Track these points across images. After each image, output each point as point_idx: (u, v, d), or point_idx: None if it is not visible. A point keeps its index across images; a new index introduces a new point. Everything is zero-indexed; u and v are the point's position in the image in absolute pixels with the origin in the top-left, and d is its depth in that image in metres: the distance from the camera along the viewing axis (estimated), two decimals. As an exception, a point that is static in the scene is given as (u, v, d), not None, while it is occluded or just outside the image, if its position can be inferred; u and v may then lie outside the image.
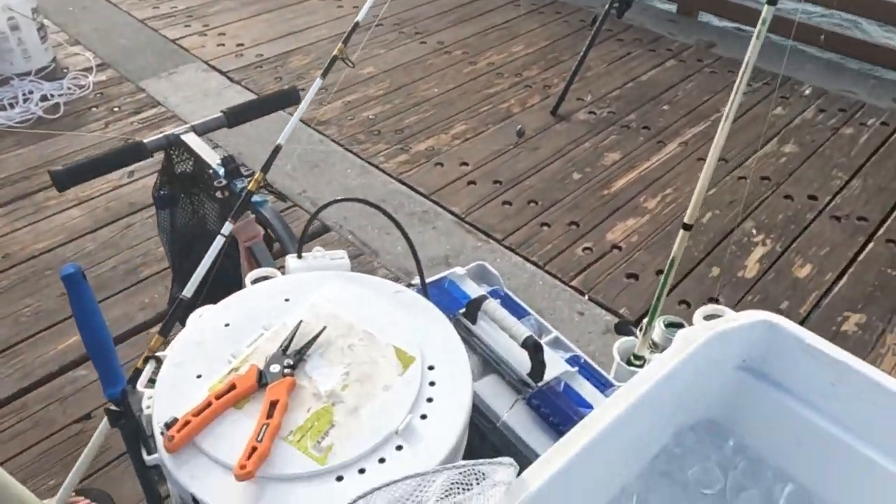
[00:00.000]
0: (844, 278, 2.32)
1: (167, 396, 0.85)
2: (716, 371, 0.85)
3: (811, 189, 2.70)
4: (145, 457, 0.79)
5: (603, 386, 1.06)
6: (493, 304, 1.05)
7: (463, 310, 1.10)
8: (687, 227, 1.03)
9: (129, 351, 2.01)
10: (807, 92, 3.28)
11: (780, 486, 0.86)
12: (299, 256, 1.07)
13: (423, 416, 0.84)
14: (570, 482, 0.68)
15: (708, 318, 0.83)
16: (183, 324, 1.14)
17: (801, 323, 2.26)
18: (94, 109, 3.11)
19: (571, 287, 2.28)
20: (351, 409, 0.83)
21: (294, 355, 0.88)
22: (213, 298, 1.04)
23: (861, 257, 2.40)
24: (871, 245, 2.46)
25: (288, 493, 0.76)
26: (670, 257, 1.16)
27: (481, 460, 0.63)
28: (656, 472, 0.88)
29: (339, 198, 1.01)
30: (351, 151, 2.89)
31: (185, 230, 1.43)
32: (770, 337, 0.82)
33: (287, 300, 0.98)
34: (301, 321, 0.93)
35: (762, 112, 3.15)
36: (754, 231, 2.51)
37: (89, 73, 3.30)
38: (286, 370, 0.86)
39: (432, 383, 0.88)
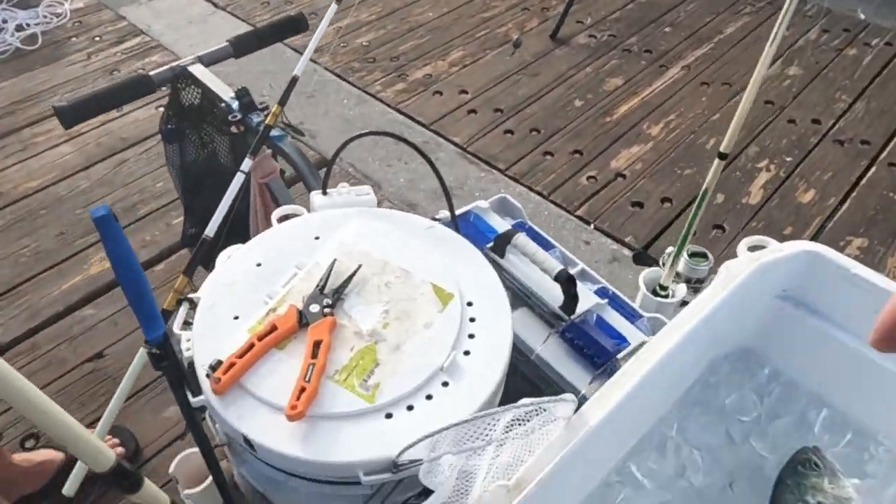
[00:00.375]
0: (847, 203, 2.33)
1: (206, 339, 0.84)
2: (755, 301, 0.85)
3: (814, 113, 2.67)
4: (191, 398, 0.78)
5: (632, 317, 1.07)
6: (523, 238, 1.04)
7: (491, 244, 1.09)
8: (722, 157, 1.01)
9: (135, 289, 1.99)
10: (811, 11, 3.20)
11: (814, 412, 0.88)
12: (324, 193, 1.04)
13: (467, 353, 0.84)
14: (623, 416, 0.68)
15: (752, 249, 0.83)
16: (205, 264, 1.12)
17: (804, 248, 2.30)
18: (73, 39, 2.97)
19: (576, 216, 2.28)
20: (393, 346, 0.83)
21: (332, 294, 0.87)
22: (227, 239, 1.02)
23: (863, 181, 2.41)
24: (873, 169, 2.46)
25: (338, 431, 0.76)
26: (703, 188, 1.14)
27: (545, 398, 0.63)
28: (691, 401, 0.89)
29: (365, 131, 0.97)
30: (346, 81, 2.80)
31: (194, 165, 1.39)
32: (813, 267, 0.82)
33: (317, 238, 0.96)
34: (335, 259, 0.91)
35: (765, 34, 3.08)
36: (758, 156, 2.49)
37: (65, 0, 3.13)
38: (326, 309, 0.85)
39: (472, 319, 0.88)
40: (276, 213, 1.01)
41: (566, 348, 1.00)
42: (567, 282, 0.99)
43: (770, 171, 2.44)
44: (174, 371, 0.78)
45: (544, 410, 0.64)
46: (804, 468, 0.79)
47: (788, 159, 2.47)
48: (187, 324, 0.89)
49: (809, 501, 0.76)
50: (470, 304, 0.90)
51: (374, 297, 0.88)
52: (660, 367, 0.73)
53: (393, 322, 0.86)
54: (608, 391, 0.68)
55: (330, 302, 0.86)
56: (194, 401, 0.79)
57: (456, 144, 2.54)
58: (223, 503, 0.92)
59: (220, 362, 0.79)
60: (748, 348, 0.92)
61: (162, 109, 1.42)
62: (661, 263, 1.24)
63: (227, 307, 0.87)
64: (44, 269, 2.04)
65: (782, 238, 2.23)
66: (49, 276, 2.02)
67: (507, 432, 0.61)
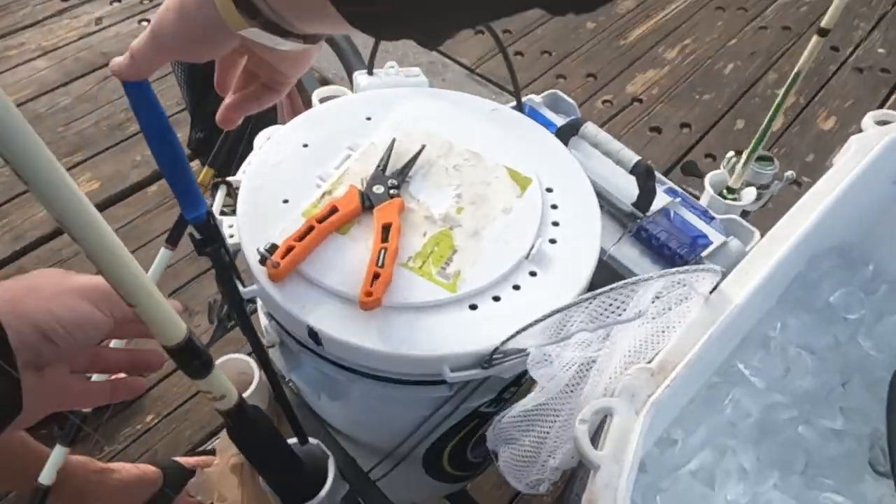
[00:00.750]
0: (869, 130, 2.26)
1: (254, 223, 0.72)
2: (871, 186, 0.76)
3: (833, 40, 2.57)
4: (242, 289, 0.67)
5: (705, 217, 0.98)
6: (593, 127, 0.93)
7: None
8: (823, 33, 0.91)
9: (126, 210, 1.85)
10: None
11: (924, 309, 0.80)
12: (370, 73, 0.92)
13: (552, 241, 0.74)
14: (758, 300, 0.60)
15: (880, 123, 0.73)
16: (228, 163, 0.99)
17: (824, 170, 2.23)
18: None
19: (593, 141, 2.17)
20: (471, 232, 0.72)
21: (396, 175, 0.76)
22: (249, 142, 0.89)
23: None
24: (893, 97, 2.39)
25: (418, 322, 0.66)
26: (795, 69, 1.04)
27: (691, 267, 0.53)
28: (791, 298, 0.81)
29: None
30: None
31: (204, 66, 1.23)
32: (944, 144, 0.73)
33: (368, 119, 0.84)
34: (395, 139, 0.79)
35: (780, -42, 2.95)
36: (777, 83, 2.40)
37: None
38: (392, 191, 0.74)
39: (554, 206, 0.78)
40: (318, 93, 0.88)
41: (641, 248, 0.91)
42: (645, 174, 0.89)
43: (791, 98, 2.34)
44: (220, 258, 0.66)
45: (683, 285, 0.54)
46: None
47: (808, 87, 2.39)
48: (224, 213, 0.77)
49: None
50: (549, 189, 0.79)
51: (443, 180, 0.77)
52: (785, 249, 0.64)
53: (468, 206, 0.75)
54: (748, 267, 0.59)
55: (395, 183, 0.74)
56: (246, 291, 0.67)
57: (463, 66, 2.39)
58: (273, 404, 0.82)
59: (274, 246, 0.68)
60: (850, 242, 0.84)
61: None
62: (721, 169, 1.15)
63: (274, 189, 0.75)
64: (24, 189, 1.88)
65: (804, 165, 2.17)
66: (31, 198, 1.86)
67: (658, 309, 0.52)
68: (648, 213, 0.93)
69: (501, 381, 0.73)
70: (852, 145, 0.70)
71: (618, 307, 0.53)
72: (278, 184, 0.76)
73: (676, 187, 1.04)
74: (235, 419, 0.56)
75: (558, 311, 0.55)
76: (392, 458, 0.84)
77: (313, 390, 0.77)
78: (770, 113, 1.05)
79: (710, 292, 0.56)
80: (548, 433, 0.57)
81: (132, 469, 1.05)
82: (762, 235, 1.00)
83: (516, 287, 0.70)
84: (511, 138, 0.83)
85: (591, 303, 0.53)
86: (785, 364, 0.75)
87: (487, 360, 0.64)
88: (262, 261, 0.67)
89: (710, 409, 0.71)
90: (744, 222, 0.99)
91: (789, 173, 1.16)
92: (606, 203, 0.95)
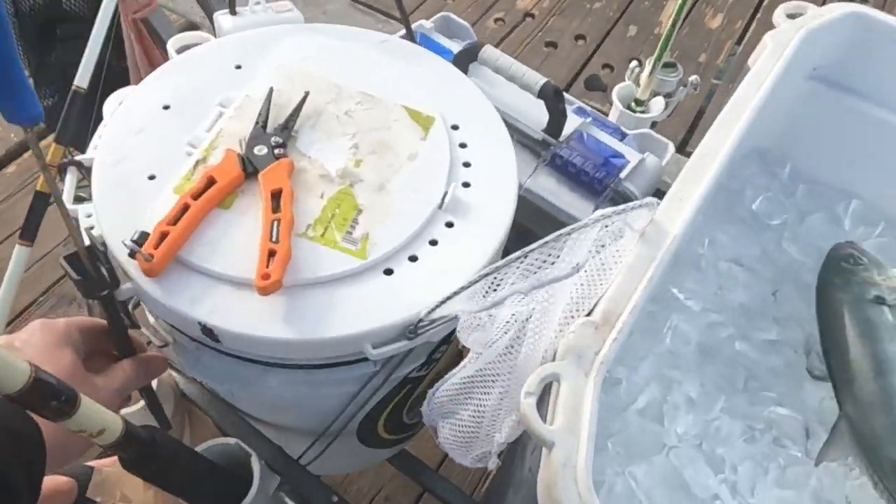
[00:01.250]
0: (754, 24, 2.29)
1: (116, 209, 0.61)
2: (786, 84, 0.72)
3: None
4: (115, 292, 0.57)
5: (618, 134, 0.93)
6: (492, 50, 0.85)
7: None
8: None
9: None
10: None
11: (843, 205, 0.79)
12: (233, 12, 0.79)
13: (466, 185, 0.67)
14: (695, 224, 0.55)
15: (791, 16, 0.69)
16: (82, 133, 0.85)
17: (719, 70, 2.26)
18: None
19: (490, 63, 2.08)
20: (376, 186, 0.64)
21: (279, 131, 0.65)
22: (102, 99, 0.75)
23: (765, 2, 2.36)
24: (773, -12, 2.41)
25: (328, 299, 0.58)
26: None
27: (626, 205, 0.48)
28: (716, 210, 0.78)
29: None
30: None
31: (35, 13, 1.05)
32: (856, 33, 0.70)
33: (239, 67, 0.72)
34: (272, 88, 0.68)
35: None
36: (665, -16, 2.37)
37: None
38: (277, 150, 0.63)
39: (463, 145, 0.70)
40: (174, 42, 0.75)
41: (558, 176, 0.85)
42: (554, 96, 0.82)
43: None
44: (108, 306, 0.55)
45: (613, 223, 0.48)
46: (848, 264, 0.70)
47: (693, -15, 2.37)
48: (80, 199, 0.65)
49: (865, 297, 0.68)
50: (455, 127, 0.71)
51: (335, 130, 0.68)
52: (715, 165, 0.59)
53: (367, 157, 0.66)
54: (680, 190, 0.54)
55: (280, 140, 0.64)
56: (123, 290, 0.57)
57: (343, -6, 2.22)
58: (181, 401, 0.73)
59: (145, 234, 0.57)
60: (765, 146, 0.81)
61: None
62: (626, 80, 1.10)
63: (135, 164, 0.63)
64: None
65: (699, 66, 2.18)
66: None
67: (592, 255, 0.46)
68: (561, 139, 0.87)
69: (430, 344, 0.67)
70: (767, 44, 0.66)
71: (553, 262, 0.47)
72: (140, 157, 0.64)
73: (585, 106, 0.98)
74: (127, 450, 0.47)
75: (486, 275, 0.48)
76: (323, 439, 0.78)
77: (222, 386, 0.68)
78: (672, 17, 0.99)
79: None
80: (487, 404, 0.52)
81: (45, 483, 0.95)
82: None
83: (433, 242, 0.62)
84: (406, 73, 0.74)
85: (522, 261, 0.47)
86: (717, 282, 0.72)
87: (412, 329, 0.57)
88: (132, 254, 0.56)
89: (650, 341, 0.67)
90: (657, 136, 0.95)
91: (693, 78, 1.12)
92: (516, 133, 0.88)
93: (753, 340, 0.71)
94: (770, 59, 0.64)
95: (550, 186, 0.85)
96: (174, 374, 0.79)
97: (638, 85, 1.07)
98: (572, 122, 0.89)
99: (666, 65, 1.09)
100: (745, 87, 0.62)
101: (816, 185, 0.80)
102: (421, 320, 0.55)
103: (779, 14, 0.69)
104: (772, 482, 0.62)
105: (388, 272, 0.60)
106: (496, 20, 2.21)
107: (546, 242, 0.47)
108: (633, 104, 1.05)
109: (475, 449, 0.54)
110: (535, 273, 0.46)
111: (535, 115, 0.87)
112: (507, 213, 0.65)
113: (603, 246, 0.49)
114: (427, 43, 0.94)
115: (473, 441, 0.53)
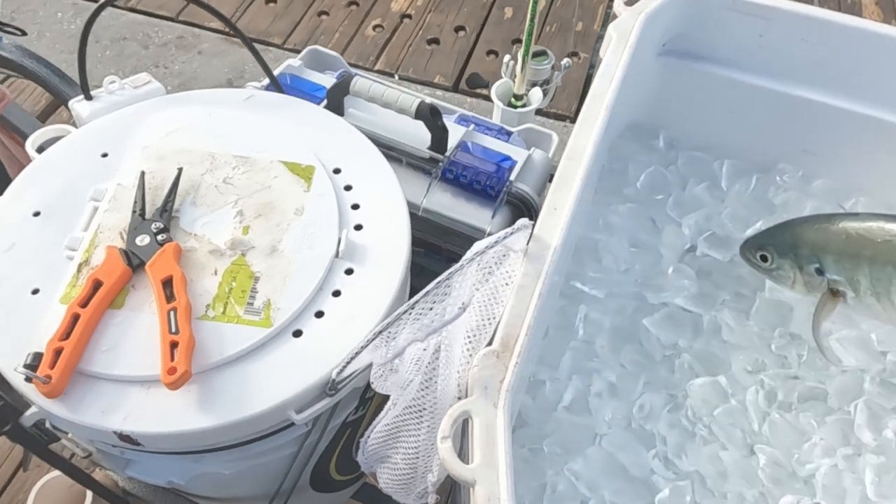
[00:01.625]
0: (621, -16, 2.36)
1: (2, 334, 0.59)
2: (640, 64, 0.75)
3: None
4: (24, 415, 0.55)
5: (502, 135, 0.95)
6: (363, 81, 0.85)
7: (324, 101, 0.89)
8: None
9: None
10: None
11: (717, 165, 0.84)
12: (87, 97, 0.76)
13: (358, 227, 0.68)
14: (573, 226, 0.57)
15: (629, 3, 0.72)
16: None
17: (598, 36, 2.32)
18: None
19: (377, 71, 2.08)
20: (268, 250, 0.64)
21: (159, 216, 0.64)
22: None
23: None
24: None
25: (242, 376, 0.58)
26: None
27: (502, 232, 0.49)
28: (604, 193, 0.81)
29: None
30: (51, -12, 2.24)
31: None
32: (690, 8, 0.73)
33: (105, 155, 0.71)
34: (143, 171, 0.67)
35: None
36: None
37: None
38: (160, 236, 0.63)
39: (348, 187, 0.71)
40: (32, 141, 0.73)
41: (453, 190, 0.87)
42: (432, 114, 0.84)
43: (545, -28, 2.38)
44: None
45: (494, 251, 0.50)
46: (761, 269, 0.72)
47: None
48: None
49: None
50: (337, 170, 0.72)
51: (216, 201, 0.67)
52: (587, 161, 0.62)
53: (254, 222, 0.66)
54: (553, 200, 0.56)
55: (161, 224, 0.63)
56: (27, 416, 0.55)
57: (216, 31, 2.17)
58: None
59: (39, 355, 0.55)
60: (637, 122, 0.85)
61: None
62: (503, 76, 1.12)
63: (14, 282, 0.61)
64: None
65: (577, 35, 2.24)
66: None
67: (476, 289, 0.47)
68: (448, 153, 0.88)
69: (358, 389, 0.67)
70: (612, 35, 0.69)
71: (441, 305, 0.48)
72: (17, 274, 0.62)
73: (467, 112, 1.00)
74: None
75: (380, 332, 0.49)
76: (278, 499, 0.78)
77: (160, 481, 0.67)
78: (529, 12, 1.02)
79: (527, 243, 0.53)
80: (419, 442, 0.53)
81: None
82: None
83: (336, 293, 0.63)
84: (277, 126, 0.74)
85: (410, 312, 0.48)
86: (615, 265, 0.76)
87: (332, 386, 0.58)
88: (29, 379, 0.55)
89: (565, 337, 0.70)
90: (540, 128, 0.97)
91: (565, 61, 1.16)
92: (405, 155, 0.89)
93: (655, 308, 0.74)
94: (617, 49, 0.67)
95: (446, 202, 0.86)
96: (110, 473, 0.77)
97: (514, 79, 1.10)
98: (456, 134, 0.91)
99: (536, 54, 1.12)
100: (599, 80, 0.65)
101: (693, 152, 0.84)
102: (334, 379, 0.55)
103: (618, 4, 0.72)
104: (700, 441, 0.66)
105: (297, 334, 0.60)
106: (375, 27, 2.21)
107: (428, 292, 0.48)
108: (513, 100, 1.07)
109: (415, 488, 0.55)
110: (427, 320, 0.48)
111: (420, 133, 0.88)
112: (403, 249, 0.66)
113: (490, 273, 0.51)
114: (297, 83, 0.93)
115: (411, 482, 0.55)
